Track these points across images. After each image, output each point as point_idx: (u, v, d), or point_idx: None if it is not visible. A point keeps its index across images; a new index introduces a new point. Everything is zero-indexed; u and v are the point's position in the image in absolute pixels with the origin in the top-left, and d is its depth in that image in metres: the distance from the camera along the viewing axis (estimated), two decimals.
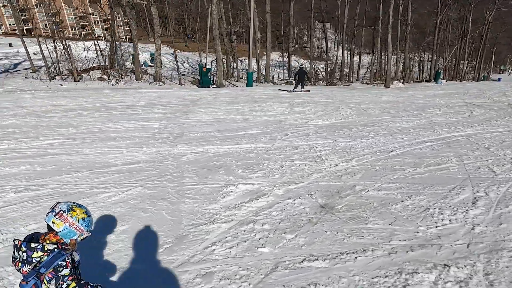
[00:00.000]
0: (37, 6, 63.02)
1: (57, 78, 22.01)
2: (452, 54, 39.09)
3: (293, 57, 42.83)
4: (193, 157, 5.69)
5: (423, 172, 5.33)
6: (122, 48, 31.74)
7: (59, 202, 1.77)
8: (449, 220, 3.64)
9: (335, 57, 41.44)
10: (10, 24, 66.29)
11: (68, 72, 23.80)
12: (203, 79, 23.83)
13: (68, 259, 1.68)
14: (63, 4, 72.48)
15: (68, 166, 4.96)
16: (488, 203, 4.11)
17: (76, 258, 1.77)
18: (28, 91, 17.12)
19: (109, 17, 29.82)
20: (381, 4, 32.24)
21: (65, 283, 1.65)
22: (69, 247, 1.74)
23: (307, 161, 5.72)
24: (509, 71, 62.55)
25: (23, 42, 24.50)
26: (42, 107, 10.53)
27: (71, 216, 1.71)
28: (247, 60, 31.61)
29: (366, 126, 8.96)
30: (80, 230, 1.74)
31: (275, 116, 10.12)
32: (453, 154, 6.32)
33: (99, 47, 28.90)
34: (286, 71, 37.81)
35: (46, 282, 1.64)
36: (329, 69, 41.02)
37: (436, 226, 3.50)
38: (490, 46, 44.87)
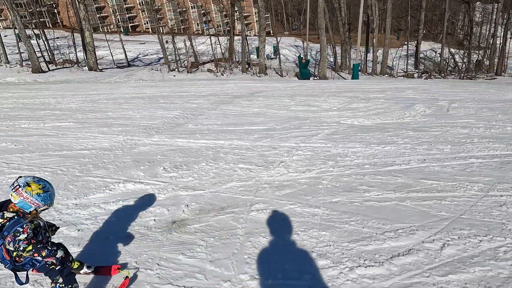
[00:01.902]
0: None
1: (175, 70, 25.07)
2: None
3: (437, 46, 36.84)
4: (148, 149, 5.55)
5: (392, 200, 3.78)
6: (247, 41, 33.71)
7: (20, 177, 1.94)
8: None
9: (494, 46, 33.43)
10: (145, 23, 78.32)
11: (187, 64, 26.83)
12: (302, 71, 23.15)
13: (26, 225, 1.87)
14: (189, 2, 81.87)
15: (36, 147, 5.55)
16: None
17: (38, 223, 1.97)
18: (144, 81, 20.12)
19: (229, 13, 31.91)
20: None
21: (21, 246, 1.85)
22: (29, 215, 1.93)
23: (258, 166, 4.82)
24: None
25: (160, 39, 28.75)
26: (121, 94, 12.17)
27: (25, 192, 1.87)
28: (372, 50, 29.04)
29: (416, 130, 7.00)
30: (35, 204, 1.91)
31: (315, 112, 8.95)
32: (486, 181, 4.28)
33: (219, 41, 31.55)
34: (413, 62, 33.02)
35: (7, 244, 1.86)
36: (478, 59, 33.88)
37: None
38: None
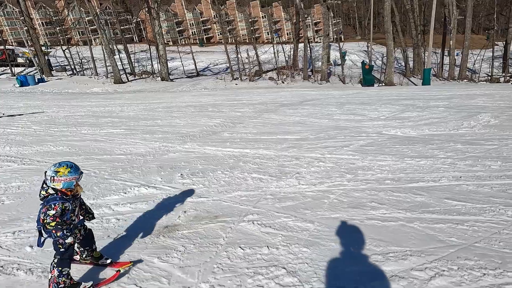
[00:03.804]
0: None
1: (238, 79, 26.00)
2: None
3: None
4: (177, 156, 5.88)
5: (399, 219, 3.48)
6: (310, 48, 33.52)
7: (46, 172, 2.33)
8: None
9: None
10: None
11: (249, 73, 27.60)
12: (365, 78, 22.17)
13: (57, 204, 2.30)
14: (260, 13, 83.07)
15: (85, 151, 6.30)
16: None
17: (68, 206, 2.37)
18: (207, 90, 21.29)
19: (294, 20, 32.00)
20: None
21: (47, 219, 2.28)
22: (69, 194, 2.39)
23: (272, 176, 4.81)
24: None
25: (226, 49, 30.15)
26: (179, 102, 13.09)
27: (61, 176, 2.31)
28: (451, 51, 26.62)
29: (467, 143, 6.28)
30: (74, 178, 2.37)
31: (359, 121, 8.55)
32: None
33: (283, 49, 31.86)
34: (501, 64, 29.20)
35: (41, 212, 2.33)
36: None
37: None
38: None
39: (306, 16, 54.27)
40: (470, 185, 4.28)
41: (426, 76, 21.62)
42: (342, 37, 77.04)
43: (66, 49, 31.28)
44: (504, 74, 25.95)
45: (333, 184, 4.43)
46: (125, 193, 4.26)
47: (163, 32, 26.33)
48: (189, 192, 4.28)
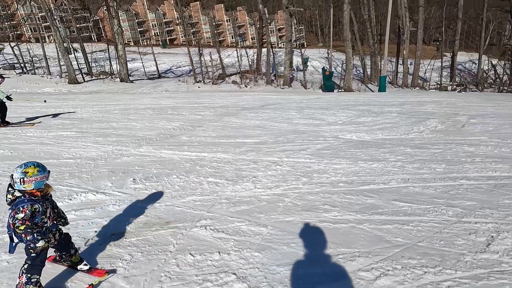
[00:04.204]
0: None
1: (201, 81, 25.71)
2: None
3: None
4: (130, 160, 5.66)
5: (350, 221, 3.56)
6: (273, 53, 33.83)
7: (12, 175, 2.25)
8: None
9: None
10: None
11: (212, 76, 27.40)
12: (326, 84, 22.83)
13: (26, 206, 2.21)
14: (224, 16, 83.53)
15: (29, 154, 5.87)
16: None
17: (38, 208, 2.28)
18: (168, 92, 20.83)
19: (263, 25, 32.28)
20: None
21: (16, 223, 2.18)
22: (39, 195, 2.29)
23: (228, 180, 4.75)
24: None
25: (189, 52, 29.70)
26: (138, 104, 12.66)
27: (30, 176, 2.22)
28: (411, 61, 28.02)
29: (416, 147, 6.60)
30: (44, 177, 2.30)
31: (317, 125, 8.74)
32: (467, 206, 3.94)
33: (246, 53, 32.00)
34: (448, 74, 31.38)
35: (10, 217, 2.23)
36: None
37: None
38: None
39: (269, 21, 54.94)
40: (416, 187, 4.49)
41: (382, 83, 22.67)
42: (305, 43, 79.06)
43: (15, 45, 29.22)
44: (451, 83, 27.89)
45: (288, 188, 4.46)
46: (70, 199, 4.01)
47: (123, 32, 25.45)
48: (141, 198, 4.11)
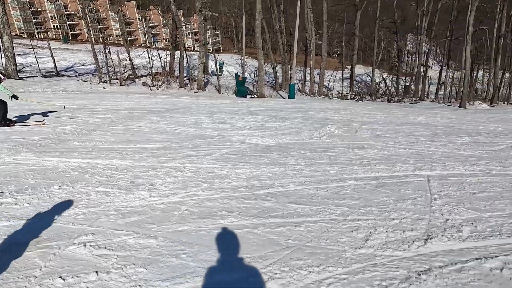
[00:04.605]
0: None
1: (107, 82, 23.77)
2: None
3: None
4: (2, 170, 4.83)
5: (245, 227, 3.53)
6: (190, 57, 33.09)
7: None
8: None
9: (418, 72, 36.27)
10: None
11: (124, 77, 25.59)
12: (239, 89, 23.18)
13: None
14: (136, 14, 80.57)
15: None
16: None
17: None
18: (66, 92, 18.70)
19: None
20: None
21: None
22: None
23: (121, 189, 4.35)
24: None
25: (93, 49, 27.20)
26: (25, 105, 11.00)
27: None
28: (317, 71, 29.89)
29: (315, 151, 7.01)
30: None
31: (225, 130, 8.72)
32: (352, 205, 4.25)
33: (159, 54, 30.75)
34: (349, 84, 34.86)
35: None
36: (405, 84, 36.71)
37: None
38: None
39: (183, 23, 53.87)
40: (311, 189, 4.74)
41: (291, 91, 24.02)
42: (221, 48, 79.77)
43: None
44: (350, 93, 31.02)
45: (187, 195, 4.28)
46: None
47: (13, 22, 22.11)
48: (8, 214, 3.49)
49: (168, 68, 31.00)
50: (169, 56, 30.90)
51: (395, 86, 34.42)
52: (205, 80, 29.59)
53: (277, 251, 3.11)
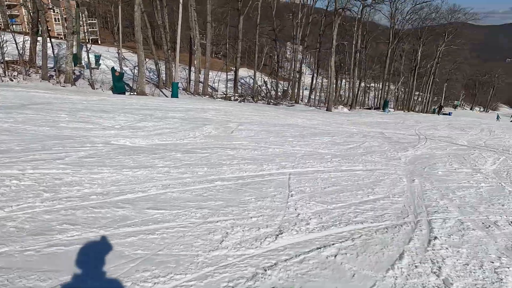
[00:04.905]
0: None
1: None
2: (400, 85, 38.71)
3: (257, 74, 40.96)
4: None
5: (91, 240, 3.07)
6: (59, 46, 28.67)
7: None
8: None
9: (294, 78, 39.74)
10: None
11: None
12: (116, 85, 21.35)
13: None
14: None
15: None
16: None
17: None
18: None
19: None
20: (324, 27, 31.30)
21: None
22: None
23: None
24: (462, 106, 63.94)
25: None
26: None
27: None
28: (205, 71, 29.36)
29: (187, 151, 6.80)
30: None
31: (89, 130, 7.78)
32: (214, 206, 4.19)
33: (15, 39, 25.86)
34: (233, 86, 35.90)
35: None
36: (283, 88, 39.66)
37: None
38: (439, 81, 45.16)
39: (50, 7, 47.01)
40: (175, 192, 4.54)
41: (174, 89, 23.37)
42: (99, 40, 72.56)
43: None
44: (234, 94, 32.02)
45: (18, 208, 3.57)
46: None
47: None
48: None
49: (28, 57, 26.39)
50: (29, 42, 26.31)
51: (275, 89, 37.08)
52: (77, 73, 26.37)
53: (121, 265, 2.82)
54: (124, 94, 21.49)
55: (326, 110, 29.64)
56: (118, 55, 26.05)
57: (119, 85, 21.15)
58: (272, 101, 31.10)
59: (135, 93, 22.87)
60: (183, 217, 3.84)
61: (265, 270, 2.97)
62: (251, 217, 4.01)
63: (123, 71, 23.12)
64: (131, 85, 26.92)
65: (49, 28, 28.89)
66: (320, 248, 3.45)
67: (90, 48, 26.78)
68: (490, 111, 77.50)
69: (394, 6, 37.61)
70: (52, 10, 65.23)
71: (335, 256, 3.32)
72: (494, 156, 9.12)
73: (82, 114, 9.53)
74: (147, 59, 29.49)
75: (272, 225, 3.86)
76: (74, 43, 33.26)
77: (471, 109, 77.27)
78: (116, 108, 11.94)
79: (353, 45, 35.10)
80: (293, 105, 31.44)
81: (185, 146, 7.35)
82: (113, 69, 21.52)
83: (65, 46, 36.96)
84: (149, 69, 33.96)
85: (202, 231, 3.57)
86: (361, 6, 33.60)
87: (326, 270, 3.08)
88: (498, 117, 41.47)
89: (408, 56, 43.13)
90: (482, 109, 79.34)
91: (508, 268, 3.33)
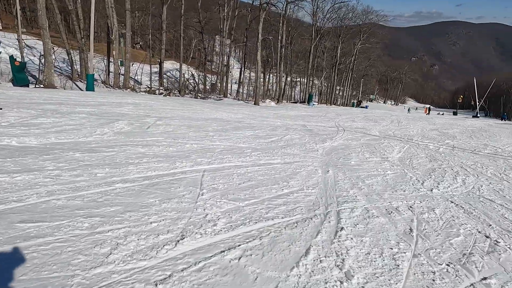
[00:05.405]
0: None
1: None
2: (323, 79, 40.86)
3: (184, 67, 39.30)
4: None
5: None
6: None
7: None
8: None
9: (222, 72, 39.18)
10: None
11: None
12: (17, 76, 18.66)
13: None
14: None
15: None
16: None
17: None
18: None
19: None
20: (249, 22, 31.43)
21: None
22: None
23: None
24: (377, 99, 70.38)
25: None
26: None
27: None
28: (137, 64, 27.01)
29: (89, 150, 6.00)
30: None
31: None
32: (108, 212, 3.64)
33: None
34: (158, 79, 34.13)
35: None
36: (211, 82, 38.94)
37: None
38: (357, 77, 48.83)
39: None
40: (61, 199, 3.88)
41: (89, 82, 21.36)
42: (0, 25, 63.74)
43: None
44: (159, 87, 30.49)
45: None
46: None
47: None
48: None
49: None
50: None
51: (203, 83, 36.27)
52: None
53: None
54: (28, 86, 18.92)
55: (254, 104, 29.90)
56: (18, 42, 22.78)
57: (20, 76, 18.52)
58: (200, 95, 30.35)
59: (41, 85, 20.29)
60: (65, 229, 3.26)
61: (156, 286, 2.59)
62: (150, 223, 3.58)
63: (25, 61, 20.28)
64: (38, 76, 23.89)
65: None
66: (224, 251, 3.18)
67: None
68: (399, 104, 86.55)
69: (315, 4, 39.36)
70: None
71: (239, 258, 3.08)
72: (400, 145, 9.91)
73: None
74: (57, 48, 26.47)
75: (174, 230, 3.48)
76: None
77: (384, 102, 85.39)
78: (10, 102, 10.32)
79: (279, 40, 35.88)
80: (221, 99, 31.10)
81: (88, 144, 6.54)
82: (11, 58, 18.74)
83: None
84: (61, 59, 30.60)
85: (87, 244, 3.05)
86: (285, 2, 34.41)
87: (227, 276, 2.81)
88: (409, 110, 46.24)
89: (329, 53, 45.65)
90: (393, 103, 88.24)
91: (405, 253, 3.43)
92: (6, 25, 65.31)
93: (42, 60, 30.08)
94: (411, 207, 4.74)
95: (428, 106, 66.19)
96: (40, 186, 4.20)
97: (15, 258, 2.71)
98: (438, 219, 4.36)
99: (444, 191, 5.62)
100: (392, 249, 3.50)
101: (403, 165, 7.33)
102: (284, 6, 34.69)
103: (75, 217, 3.52)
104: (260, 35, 27.30)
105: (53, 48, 21.59)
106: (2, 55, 32.29)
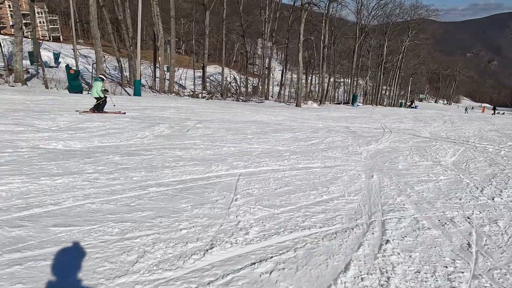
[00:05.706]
0: None
1: None
2: (368, 79, 39.26)
3: (227, 70, 40.10)
4: None
5: None
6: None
7: None
8: None
9: (264, 74, 39.31)
10: None
11: None
12: (72, 84, 19.99)
13: None
14: None
15: None
16: None
17: None
18: None
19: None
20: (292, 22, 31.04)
21: None
22: None
23: None
24: (427, 99, 66.27)
25: None
26: None
27: None
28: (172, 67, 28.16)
29: (128, 154, 6.13)
30: None
31: (18, 133, 6.94)
32: (139, 218, 3.59)
33: None
34: (201, 83, 34.96)
35: None
36: (253, 85, 39.16)
37: None
38: (405, 75, 46.28)
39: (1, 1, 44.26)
40: (95, 203, 3.89)
41: (137, 87, 22.30)
42: (61, 37, 69.44)
43: None
44: (202, 91, 31.17)
45: None
46: None
47: None
48: None
49: None
50: None
51: (245, 85, 36.53)
52: (34, 72, 24.63)
53: None
54: (81, 93, 20.18)
55: (296, 105, 29.45)
56: (74, 52, 24.48)
57: (75, 83, 19.83)
58: (242, 97, 30.53)
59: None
60: (95, 234, 3.21)
61: None
62: (180, 229, 3.44)
63: (79, 69, 21.70)
64: (91, 83, 25.48)
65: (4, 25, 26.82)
66: (254, 263, 2.94)
67: (42, 44, 25.03)
68: (453, 103, 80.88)
69: (359, 2, 38.01)
70: (8, 7, 61.22)
71: (271, 272, 2.82)
72: (454, 148, 9.03)
73: (17, 115, 8.57)
74: (108, 56, 28.10)
75: (204, 238, 3.31)
76: (29, 40, 31.15)
77: (435, 102, 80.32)
78: (63, 108, 10.97)
79: (321, 41, 35.11)
80: (263, 102, 31.03)
81: (128, 148, 6.66)
82: (67, 67, 20.14)
83: (25, 44, 34.70)
84: (113, 67, 32.46)
85: (115, 251, 2.96)
86: (327, 1, 33.62)
87: None
88: (466, 110, 42.84)
89: (375, 51, 43.82)
90: (446, 102, 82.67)
91: (462, 273, 2.95)
92: (66, 37, 71.12)
93: (77, 67, 32.19)
94: (468, 218, 4.17)
95: (485, 105, 61.10)
96: (78, 189, 4.26)
97: (42, 264, 2.68)
98: (502, 233, 3.78)
99: (508, 200, 4.92)
100: (446, 267, 3.04)
101: (458, 170, 6.60)
102: (327, 5, 33.91)
103: (107, 222, 3.48)
104: (301, 36, 26.85)
105: (104, 56, 22.88)
106: (62, 64, 35.09)
